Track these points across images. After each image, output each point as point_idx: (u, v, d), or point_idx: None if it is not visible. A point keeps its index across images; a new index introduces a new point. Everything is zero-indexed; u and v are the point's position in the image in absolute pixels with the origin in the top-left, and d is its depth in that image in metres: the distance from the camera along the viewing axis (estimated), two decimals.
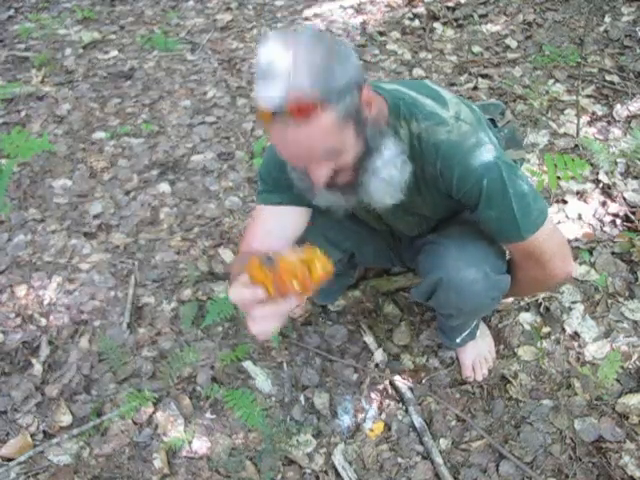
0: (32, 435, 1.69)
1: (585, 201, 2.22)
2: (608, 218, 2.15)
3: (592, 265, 1.98)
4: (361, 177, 1.18)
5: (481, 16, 3.43)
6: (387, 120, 1.21)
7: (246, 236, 1.41)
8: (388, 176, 1.19)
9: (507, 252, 1.42)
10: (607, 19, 3.20)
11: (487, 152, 1.20)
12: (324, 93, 0.98)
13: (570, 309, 1.87)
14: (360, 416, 1.68)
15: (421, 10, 3.55)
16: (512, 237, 1.27)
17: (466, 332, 1.69)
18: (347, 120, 1.05)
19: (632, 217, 2.12)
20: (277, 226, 1.39)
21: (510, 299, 1.89)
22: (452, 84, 2.94)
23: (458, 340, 1.71)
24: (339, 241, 1.56)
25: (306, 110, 0.98)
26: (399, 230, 1.58)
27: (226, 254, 2.18)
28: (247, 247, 1.37)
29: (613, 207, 2.18)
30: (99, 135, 2.85)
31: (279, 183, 1.34)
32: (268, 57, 0.99)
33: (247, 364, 1.82)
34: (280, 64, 0.97)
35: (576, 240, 2.06)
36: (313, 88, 0.97)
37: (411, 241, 1.59)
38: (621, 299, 1.88)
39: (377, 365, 1.80)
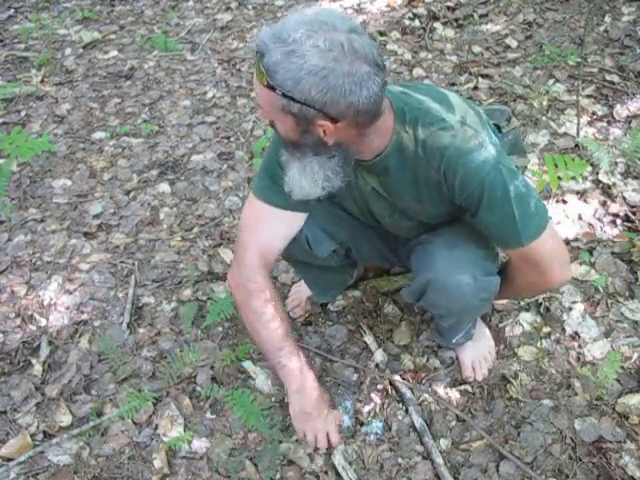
0: (32, 435, 1.69)
1: (585, 201, 2.22)
2: (608, 218, 2.15)
3: (592, 265, 1.98)
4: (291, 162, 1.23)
5: (481, 16, 3.43)
6: (391, 129, 1.22)
7: (252, 233, 1.46)
8: (309, 169, 1.21)
9: (503, 255, 1.42)
10: (607, 19, 3.20)
11: (490, 157, 1.20)
12: (278, 83, 1.04)
13: (570, 309, 1.87)
14: (360, 416, 1.68)
15: (421, 10, 3.55)
16: (512, 243, 1.27)
17: (461, 333, 1.69)
18: (287, 115, 1.09)
19: (632, 217, 2.12)
20: (281, 228, 1.46)
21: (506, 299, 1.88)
22: (452, 84, 2.94)
23: (454, 341, 1.71)
24: (335, 232, 1.57)
25: (261, 74, 1.06)
26: (395, 232, 1.59)
27: (226, 254, 2.18)
28: (257, 247, 1.44)
29: (613, 207, 2.18)
30: (99, 135, 2.85)
31: (282, 183, 1.34)
32: (288, 22, 1.04)
33: (247, 364, 1.82)
34: (285, 36, 1.02)
35: (576, 240, 2.06)
36: (275, 78, 1.04)
37: (406, 241, 1.59)
38: (621, 299, 1.88)
39: (377, 365, 1.80)
